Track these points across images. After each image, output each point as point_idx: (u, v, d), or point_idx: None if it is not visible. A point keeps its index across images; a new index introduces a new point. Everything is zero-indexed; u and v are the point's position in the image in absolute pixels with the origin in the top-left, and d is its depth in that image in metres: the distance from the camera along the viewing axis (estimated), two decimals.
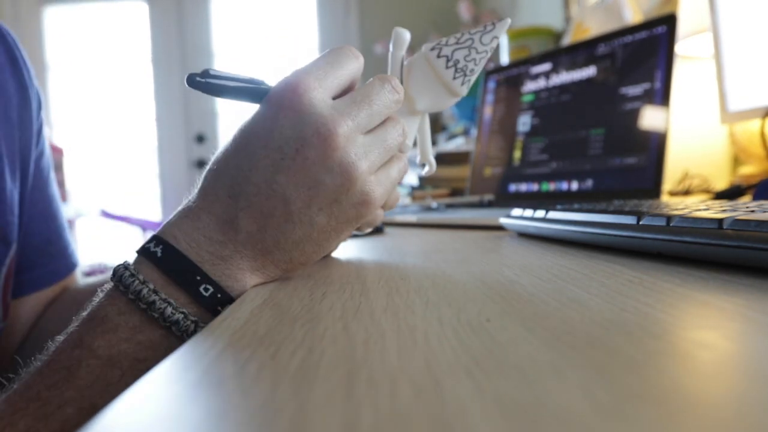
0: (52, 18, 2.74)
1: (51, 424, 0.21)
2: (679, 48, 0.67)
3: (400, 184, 0.29)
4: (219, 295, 0.25)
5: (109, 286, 0.26)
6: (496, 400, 0.10)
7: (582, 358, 0.13)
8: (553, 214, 0.36)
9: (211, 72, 0.26)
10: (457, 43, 0.32)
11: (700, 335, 0.14)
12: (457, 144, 1.37)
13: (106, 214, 2.56)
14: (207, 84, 0.26)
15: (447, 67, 0.31)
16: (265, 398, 0.11)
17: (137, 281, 0.24)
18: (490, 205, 0.75)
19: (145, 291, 0.24)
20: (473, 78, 0.32)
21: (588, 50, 0.69)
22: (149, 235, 0.27)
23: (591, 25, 1.06)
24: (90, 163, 2.77)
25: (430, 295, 0.21)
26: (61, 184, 2.64)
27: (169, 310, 0.24)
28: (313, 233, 0.26)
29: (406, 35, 0.32)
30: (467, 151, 1.04)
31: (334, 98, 0.26)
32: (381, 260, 0.32)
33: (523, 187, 0.74)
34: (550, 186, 0.70)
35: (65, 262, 0.45)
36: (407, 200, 1.07)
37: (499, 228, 0.47)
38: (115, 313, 0.24)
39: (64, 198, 2.61)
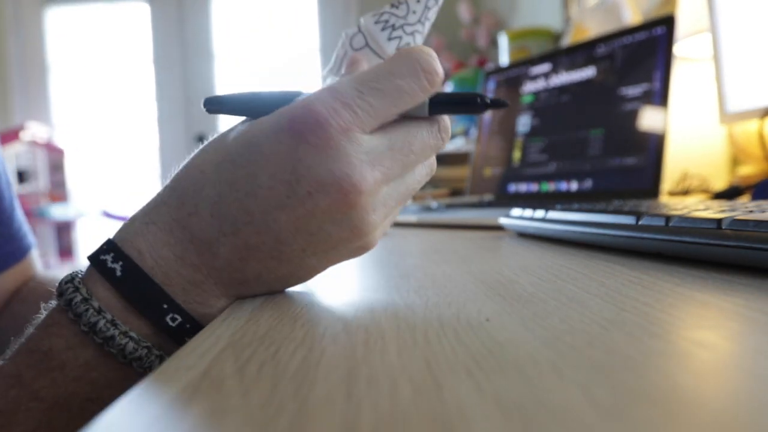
0: (53, 19, 2.74)
1: None
2: (678, 49, 0.67)
3: None
4: (188, 326, 0.21)
5: (53, 304, 0.22)
6: (495, 400, 0.10)
7: (581, 357, 0.13)
8: (552, 214, 0.36)
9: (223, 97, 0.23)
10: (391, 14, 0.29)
11: (699, 335, 0.14)
12: (457, 144, 1.37)
13: (107, 215, 2.57)
14: (224, 106, 0.23)
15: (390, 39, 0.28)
16: (266, 397, 0.11)
17: (91, 310, 0.20)
18: (489, 205, 0.75)
19: (102, 323, 0.20)
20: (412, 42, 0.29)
21: (587, 51, 0.69)
22: None
23: (590, 26, 1.06)
24: (91, 163, 2.78)
25: (430, 294, 0.21)
26: (62, 184, 2.64)
27: (131, 345, 0.20)
28: (300, 272, 0.22)
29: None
30: (467, 151, 1.04)
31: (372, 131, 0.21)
32: (381, 260, 0.32)
33: (523, 187, 0.74)
34: (550, 186, 0.70)
35: (18, 244, 0.43)
36: (407, 200, 1.07)
37: (499, 228, 0.47)
38: (62, 347, 0.20)
39: (65, 198, 2.61)
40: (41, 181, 2.48)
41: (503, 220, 0.44)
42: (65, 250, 2.64)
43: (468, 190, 0.83)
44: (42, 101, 2.76)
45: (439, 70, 0.22)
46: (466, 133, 1.47)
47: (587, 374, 0.11)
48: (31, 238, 0.45)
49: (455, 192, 1.01)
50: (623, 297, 0.19)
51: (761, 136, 0.59)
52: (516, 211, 0.42)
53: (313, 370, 0.13)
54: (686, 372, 0.11)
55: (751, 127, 0.68)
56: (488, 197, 0.77)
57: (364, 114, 0.20)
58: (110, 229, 0.23)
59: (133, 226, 0.22)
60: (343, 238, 0.21)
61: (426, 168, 0.24)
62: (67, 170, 2.63)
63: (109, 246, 0.22)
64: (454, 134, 1.56)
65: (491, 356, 0.13)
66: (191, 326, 0.22)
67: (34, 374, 0.20)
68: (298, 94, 0.23)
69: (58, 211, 2.48)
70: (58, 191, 2.59)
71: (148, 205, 0.22)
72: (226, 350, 0.15)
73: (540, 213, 0.38)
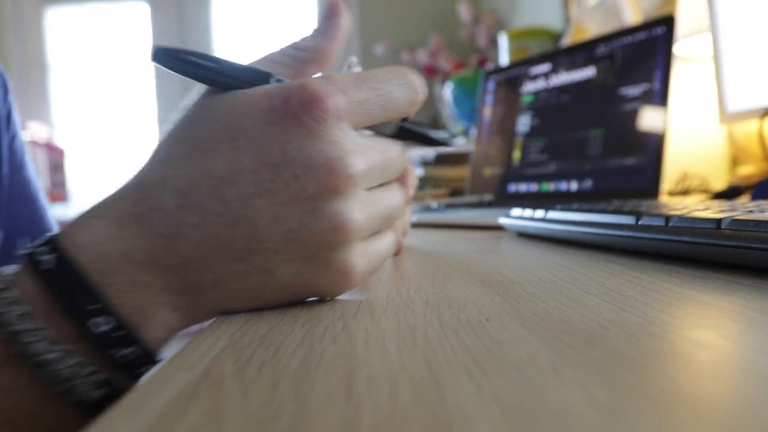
0: (53, 19, 2.74)
1: None
2: (678, 49, 0.67)
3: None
4: (117, 334, 0.18)
5: None
6: (495, 399, 0.10)
7: (581, 357, 0.13)
8: (552, 214, 0.36)
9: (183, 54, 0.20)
10: None
11: (699, 334, 0.14)
12: (457, 144, 1.37)
13: None
14: (179, 61, 0.20)
15: None
16: (266, 398, 0.11)
17: (3, 300, 0.18)
18: (489, 205, 0.75)
19: (10, 316, 0.17)
20: None
21: (587, 51, 0.69)
22: None
23: (590, 26, 1.06)
24: (91, 163, 2.77)
25: (430, 294, 0.21)
26: (62, 184, 2.64)
27: (41, 346, 0.17)
28: (266, 289, 0.20)
29: None
30: (467, 151, 1.04)
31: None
32: None
33: (523, 187, 0.74)
34: (550, 186, 0.70)
35: None
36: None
37: (499, 228, 0.47)
38: None
39: (65, 198, 2.61)
40: (41, 181, 2.48)
41: (503, 220, 0.44)
42: None
43: (468, 190, 0.83)
44: (42, 101, 2.75)
45: (422, 96, 0.22)
46: (465, 133, 1.47)
47: (587, 374, 0.11)
48: None
49: (455, 192, 1.01)
50: (623, 297, 0.19)
51: (761, 136, 0.59)
52: (516, 211, 0.42)
53: (313, 370, 0.13)
54: (686, 372, 0.11)
55: (751, 127, 0.68)
56: (488, 197, 0.77)
57: (358, 108, 0.20)
58: None
59: (78, 220, 0.20)
60: (323, 240, 0.19)
61: (403, 195, 0.23)
62: (68, 170, 2.63)
63: (47, 240, 0.19)
64: (453, 134, 1.56)
65: (491, 356, 0.13)
66: (121, 335, 0.18)
67: None
68: (270, 75, 0.21)
69: (58, 211, 2.48)
70: (58, 191, 2.59)
71: (102, 200, 0.20)
72: (226, 350, 0.15)
73: (540, 213, 0.38)
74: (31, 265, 0.19)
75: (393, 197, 0.23)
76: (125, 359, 0.19)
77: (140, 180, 0.20)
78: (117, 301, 0.19)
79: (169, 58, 0.20)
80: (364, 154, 0.20)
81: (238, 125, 0.19)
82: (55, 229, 0.45)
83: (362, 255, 0.21)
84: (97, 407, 0.19)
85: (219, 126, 0.20)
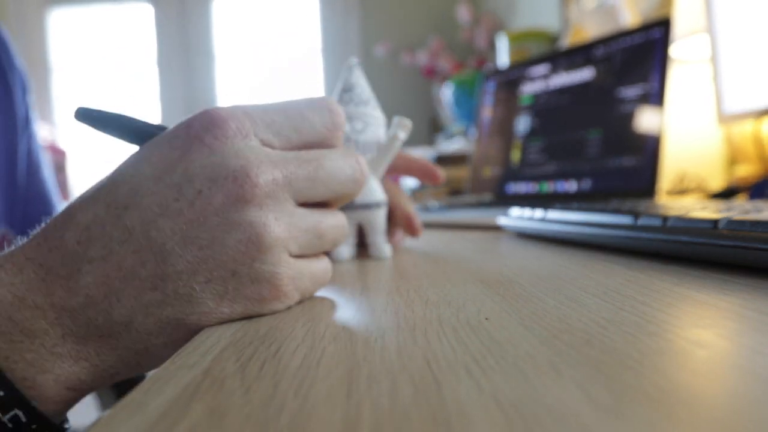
0: (56, 20, 2.74)
1: None
2: (675, 50, 0.67)
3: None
4: (1, 394, 0.16)
5: None
6: (494, 398, 0.11)
7: (579, 356, 0.13)
8: (551, 214, 0.36)
9: (92, 110, 0.21)
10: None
11: (697, 333, 0.14)
12: (456, 145, 1.37)
13: None
14: (91, 118, 0.20)
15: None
16: (267, 396, 0.11)
17: None
18: (489, 205, 0.75)
19: None
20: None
21: (585, 53, 0.70)
22: None
23: (589, 28, 1.06)
24: (94, 165, 2.77)
25: (430, 294, 0.21)
26: (63, 185, 2.64)
27: None
28: (189, 317, 0.18)
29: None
30: (467, 151, 1.04)
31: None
32: (380, 260, 0.32)
33: (522, 187, 0.74)
34: (549, 186, 0.70)
35: None
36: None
37: (498, 228, 0.48)
38: None
39: (67, 200, 2.60)
40: None
41: (502, 220, 0.44)
42: None
43: (468, 191, 0.83)
44: (45, 102, 2.75)
45: (342, 119, 0.22)
46: (465, 134, 1.47)
47: (585, 373, 0.12)
48: None
49: (455, 192, 1.01)
50: (621, 296, 0.19)
51: (758, 137, 0.60)
52: (515, 211, 0.43)
53: (314, 368, 0.13)
54: (683, 370, 0.12)
55: (748, 128, 0.68)
56: (488, 197, 0.77)
57: (267, 127, 0.20)
58: None
59: None
60: (240, 252, 0.18)
61: (340, 222, 0.22)
62: (70, 172, 2.62)
63: None
64: (453, 134, 1.56)
65: (490, 355, 0.13)
66: (4, 396, 0.16)
67: None
68: (166, 128, 0.21)
69: None
70: (60, 193, 2.59)
71: (5, 250, 0.19)
72: (227, 349, 0.15)
73: (539, 213, 0.38)
74: None
75: (327, 218, 0.21)
76: (10, 425, 0.17)
77: (46, 224, 0.19)
78: (3, 354, 0.17)
79: (84, 116, 0.20)
80: (278, 164, 0.19)
81: (142, 157, 0.19)
82: None
83: (289, 267, 0.19)
84: None
85: (124, 165, 0.19)
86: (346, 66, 0.33)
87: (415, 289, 0.22)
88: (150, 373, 0.13)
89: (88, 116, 0.20)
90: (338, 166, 0.21)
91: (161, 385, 0.12)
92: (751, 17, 0.58)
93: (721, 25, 0.61)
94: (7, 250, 0.19)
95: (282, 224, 0.19)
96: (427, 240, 0.44)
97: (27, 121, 0.43)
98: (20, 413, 0.17)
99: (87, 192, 0.19)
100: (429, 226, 0.59)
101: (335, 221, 0.22)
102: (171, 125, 0.21)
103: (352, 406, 0.11)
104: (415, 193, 1.05)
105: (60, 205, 0.45)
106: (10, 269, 0.18)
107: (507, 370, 0.12)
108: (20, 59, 0.43)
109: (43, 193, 0.44)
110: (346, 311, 0.19)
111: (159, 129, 0.21)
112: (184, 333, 0.18)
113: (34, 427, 0.17)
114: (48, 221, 0.19)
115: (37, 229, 0.19)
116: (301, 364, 0.13)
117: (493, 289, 0.21)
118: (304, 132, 0.21)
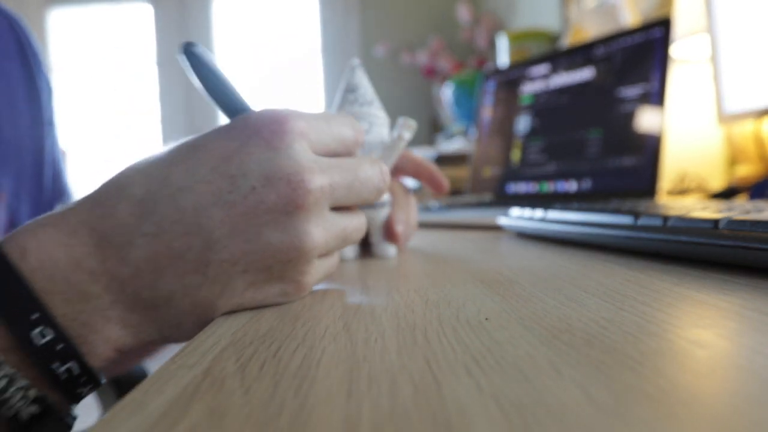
0: (56, 20, 2.74)
1: None
2: (676, 50, 0.67)
3: None
4: (59, 347, 0.17)
5: None
6: (494, 398, 0.11)
7: (580, 356, 0.13)
8: (551, 214, 0.36)
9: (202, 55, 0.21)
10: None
11: (697, 334, 0.14)
12: (456, 145, 1.37)
13: None
14: (200, 64, 0.21)
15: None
16: (267, 396, 0.11)
17: None
18: (489, 205, 0.75)
19: None
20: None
21: (586, 52, 0.70)
22: None
23: (589, 28, 1.06)
24: (94, 164, 2.77)
25: (430, 294, 0.21)
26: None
27: None
28: (218, 300, 0.19)
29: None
30: (467, 151, 1.04)
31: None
32: (381, 260, 0.32)
33: (522, 187, 0.74)
34: (549, 186, 0.70)
35: None
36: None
37: (498, 228, 0.48)
38: None
39: (67, 200, 2.61)
40: None
41: (502, 220, 0.44)
42: None
43: (468, 190, 0.83)
44: None
45: (362, 134, 0.24)
46: (465, 134, 1.47)
47: (585, 373, 0.12)
48: None
49: (455, 192, 1.01)
50: (621, 296, 0.19)
51: (758, 137, 0.60)
52: (515, 211, 0.43)
53: (314, 368, 0.13)
54: (684, 370, 0.12)
55: (749, 128, 0.68)
56: (488, 197, 0.77)
57: (316, 132, 0.21)
58: None
59: (28, 225, 0.19)
60: (281, 253, 0.19)
61: (362, 225, 0.24)
62: (70, 171, 2.62)
63: None
64: (453, 134, 1.56)
65: (490, 355, 0.13)
66: (63, 348, 0.17)
67: None
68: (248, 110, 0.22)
69: None
70: None
71: (55, 210, 0.20)
72: (227, 349, 0.15)
73: (539, 213, 0.38)
74: None
75: (353, 221, 0.23)
76: (64, 376, 0.18)
77: (96, 192, 0.20)
78: (61, 312, 0.18)
79: (192, 55, 0.21)
80: (325, 172, 0.20)
81: (200, 142, 0.20)
82: None
83: (315, 271, 0.21)
84: (29, 427, 0.17)
85: (183, 145, 0.20)
86: (349, 67, 0.33)
87: (415, 289, 0.22)
88: (150, 373, 0.13)
89: (194, 56, 0.21)
90: (369, 175, 0.23)
91: (161, 385, 0.12)
92: (751, 17, 0.58)
93: (721, 25, 0.61)
94: (55, 211, 0.19)
95: (320, 231, 0.20)
96: (427, 240, 0.44)
97: (51, 125, 0.43)
98: (75, 365, 0.18)
99: (137, 165, 0.20)
100: (429, 226, 0.59)
101: (359, 224, 0.24)
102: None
103: (352, 406, 0.11)
104: (415, 193, 1.05)
105: None
106: (63, 230, 0.18)
107: (507, 370, 0.12)
108: (46, 64, 0.44)
109: (66, 199, 0.44)
110: (346, 311, 0.19)
111: (242, 110, 0.22)
112: (211, 314, 0.20)
113: (83, 379, 0.19)
114: (94, 190, 0.20)
115: (83, 196, 0.20)
116: (301, 364, 0.13)
117: (493, 289, 0.21)
118: (338, 140, 0.23)
